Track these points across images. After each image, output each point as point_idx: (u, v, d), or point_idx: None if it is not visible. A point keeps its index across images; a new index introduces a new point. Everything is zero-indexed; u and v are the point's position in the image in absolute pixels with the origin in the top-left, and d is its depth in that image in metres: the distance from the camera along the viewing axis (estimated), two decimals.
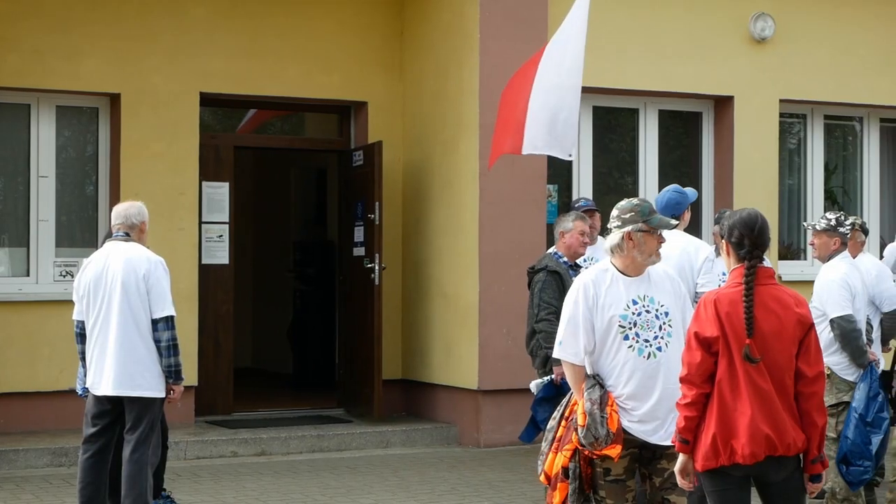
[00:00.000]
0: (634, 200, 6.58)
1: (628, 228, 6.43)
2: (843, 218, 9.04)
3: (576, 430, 6.35)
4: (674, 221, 6.55)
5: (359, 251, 13.12)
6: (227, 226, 12.94)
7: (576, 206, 10.63)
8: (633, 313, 6.38)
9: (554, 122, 9.68)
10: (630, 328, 6.37)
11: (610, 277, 6.45)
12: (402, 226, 13.37)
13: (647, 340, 6.38)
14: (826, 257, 8.98)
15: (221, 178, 12.89)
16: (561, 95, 9.70)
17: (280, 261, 17.40)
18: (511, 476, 10.86)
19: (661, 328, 6.41)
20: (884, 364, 9.92)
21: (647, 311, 6.41)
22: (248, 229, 17.51)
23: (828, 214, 9.11)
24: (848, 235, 9.11)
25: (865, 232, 10.11)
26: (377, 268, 12.71)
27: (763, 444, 5.70)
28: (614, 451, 6.29)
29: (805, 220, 9.13)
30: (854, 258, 9.78)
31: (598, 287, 6.43)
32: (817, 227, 8.97)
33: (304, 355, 15.90)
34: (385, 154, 12.80)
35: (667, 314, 6.44)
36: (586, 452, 6.35)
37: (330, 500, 9.96)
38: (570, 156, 9.91)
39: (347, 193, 13.57)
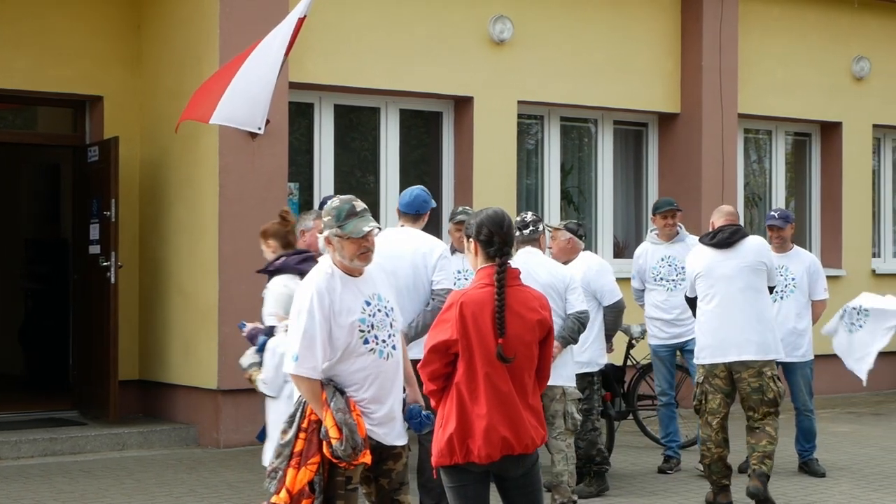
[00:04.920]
0: (336, 201, 6.26)
1: (326, 232, 6.19)
2: (526, 220, 9.19)
3: (328, 443, 6.03)
4: (367, 228, 6.10)
5: (94, 249, 12.81)
6: None
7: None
8: (370, 315, 6.16)
9: (249, 98, 10.13)
10: (368, 331, 6.14)
11: (339, 281, 6.15)
12: (139, 223, 13.10)
13: (383, 341, 6.19)
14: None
15: None
16: (260, 74, 10.13)
17: (10, 259, 16.87)
18: (250, 476, 10.76)
19: (391, 325, 6.25)
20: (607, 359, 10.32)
21: (380, 311, 6.21)
22: None
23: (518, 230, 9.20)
24: (538, 237, 9.26)
25: (571, 231, 10.22)
26: (113, 266, 12.44)
27: (499, 445, 5.77)
28: (367, 457, 6.09)
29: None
30: (575, 257, 10.07)
31: (332, 293, 6.10)
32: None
33: (37, 356, 15.49)
34: (122, 150, 12.54)
35: (392, 310, 6.29)
36: (343, 464, 6.07)
37: None
38: (260, 129, 10.37)
39: (82, 190, 13.24)
